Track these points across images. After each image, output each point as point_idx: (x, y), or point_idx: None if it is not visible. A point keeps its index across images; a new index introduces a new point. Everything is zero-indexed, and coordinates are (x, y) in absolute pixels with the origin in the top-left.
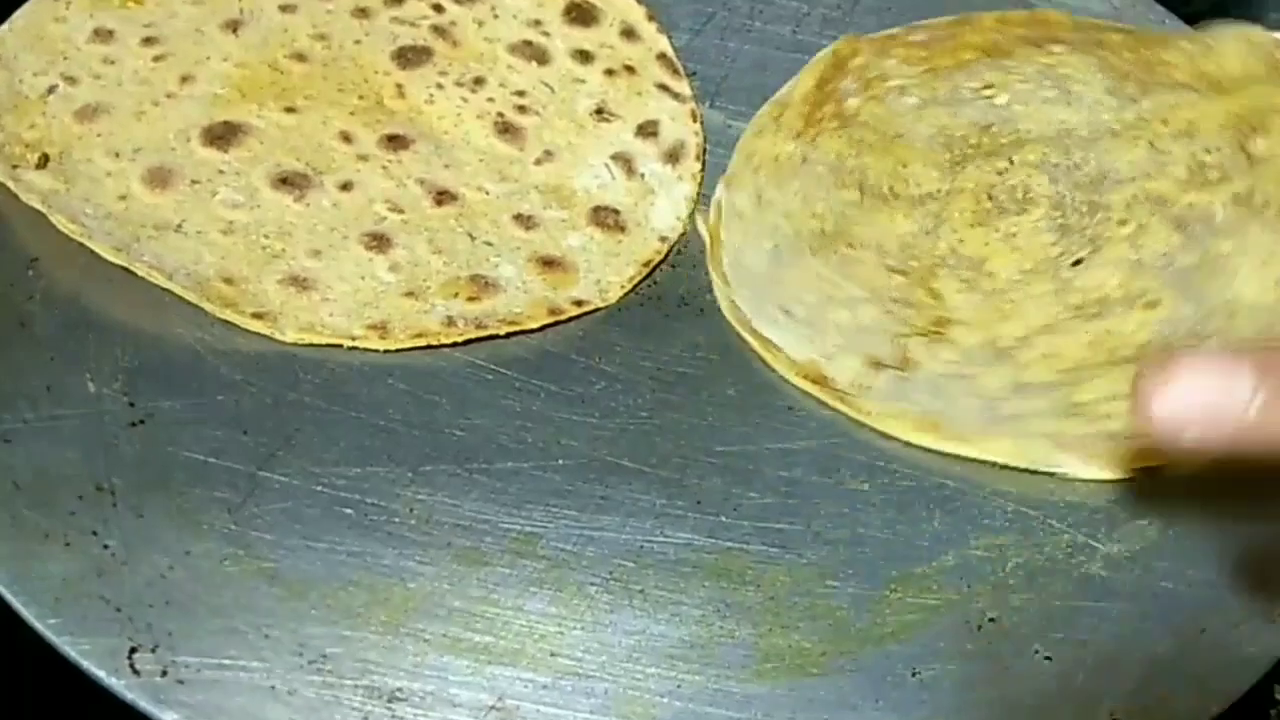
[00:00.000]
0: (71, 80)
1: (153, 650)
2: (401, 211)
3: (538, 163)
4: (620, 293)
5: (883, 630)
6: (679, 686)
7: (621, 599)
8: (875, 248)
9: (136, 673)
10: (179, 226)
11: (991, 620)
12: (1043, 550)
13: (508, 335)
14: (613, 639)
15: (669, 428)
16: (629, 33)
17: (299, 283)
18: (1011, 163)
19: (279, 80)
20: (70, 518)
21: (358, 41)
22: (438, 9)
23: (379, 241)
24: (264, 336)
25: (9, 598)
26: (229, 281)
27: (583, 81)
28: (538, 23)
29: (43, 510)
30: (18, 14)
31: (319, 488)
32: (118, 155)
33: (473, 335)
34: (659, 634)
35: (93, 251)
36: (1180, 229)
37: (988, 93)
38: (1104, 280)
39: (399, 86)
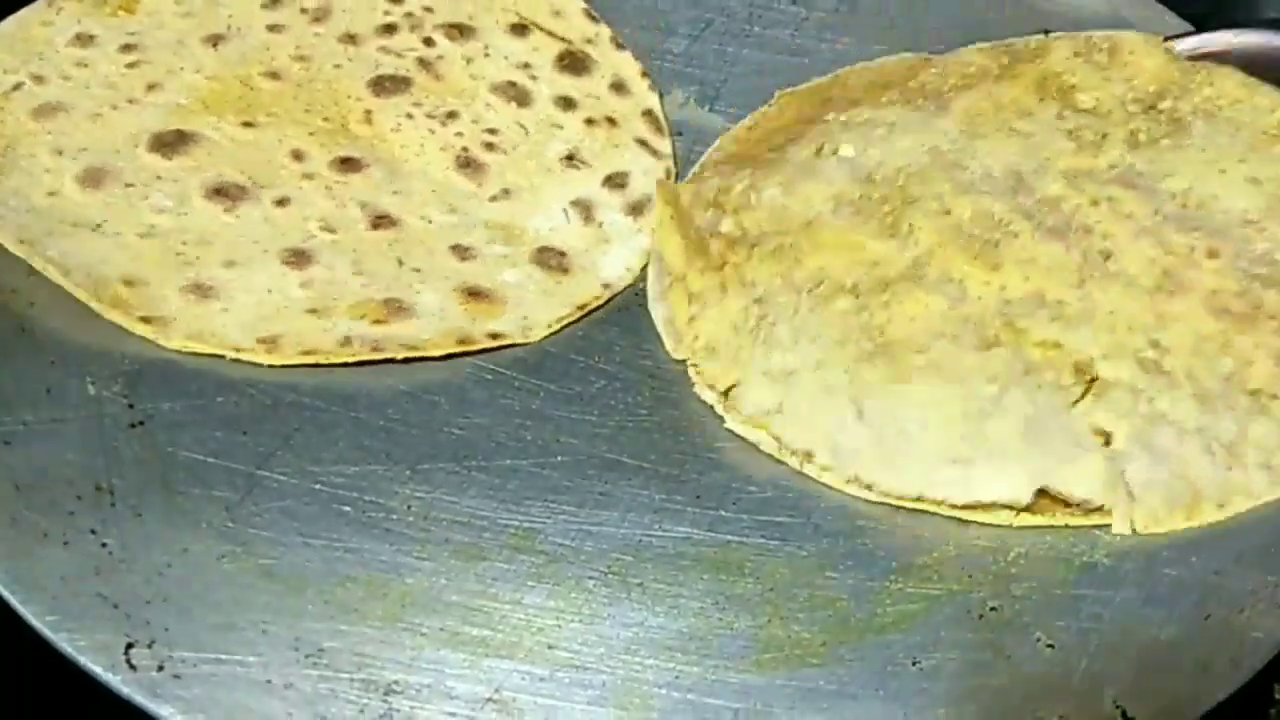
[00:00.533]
0: (39, 79)
1: (149, 646)
2: (333, 231)
3: (493, 199)
4: (546, 331)
5: (883, 620)
6: (677, 678)
7: (619, 592)
8: (935, 335)
9: (133, 668)
10: (98, 226)
11: (993, 609)
12: (1044, 538)
13: (405, 360)
14: (610, 632)
15: (668, 424)
16: (619, 86)
17: (201, 291)
18: (941, 198)
19: (246, 96)
20: (69, 517)
21: (338, 66)
22: (429, 43)
23: (299, 258)
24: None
25: (7, 596)
26: (129, 284)
27: (560, 127)
28: (528, 65)
29: (42, 510)
30: (11, 17)
31: (317, 486)
32: (61, 153)
33: (366, 357)
34: (657, 626)
35: None
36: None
37: (843, 152)
38: (1140, 255)
39: (368, 113)
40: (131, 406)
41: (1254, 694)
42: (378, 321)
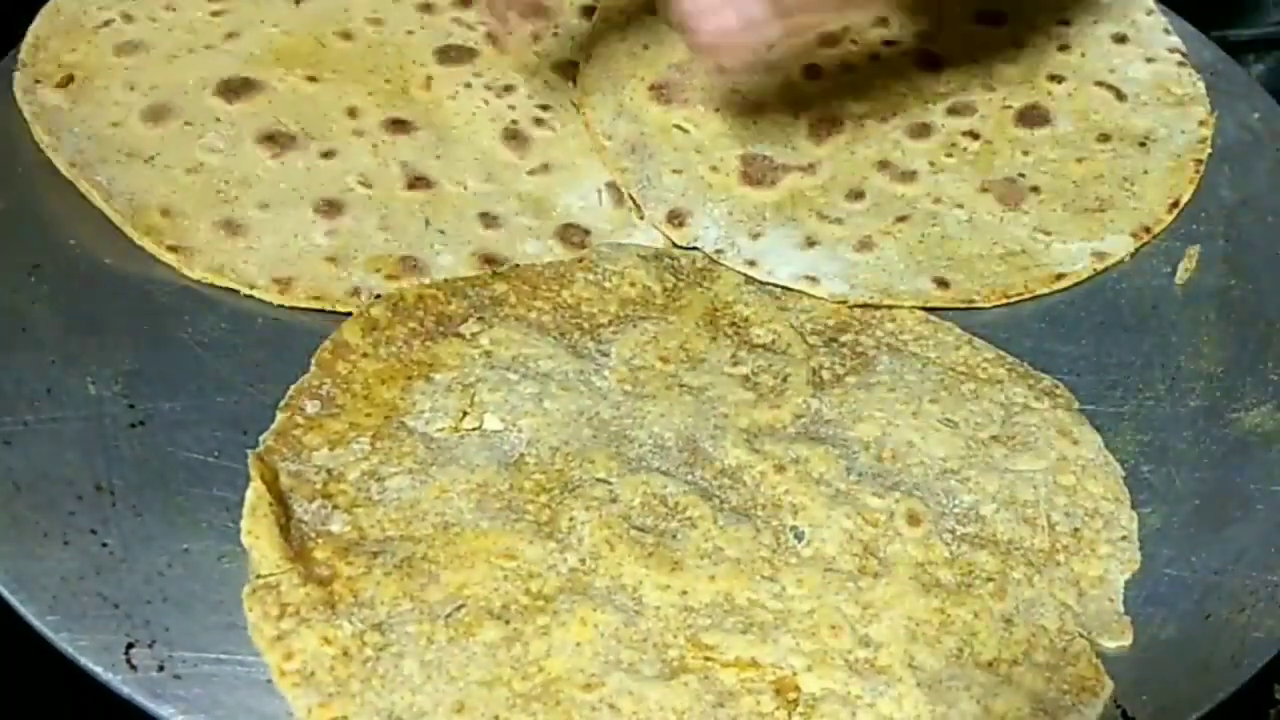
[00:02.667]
0: (129, 18)
1: (150, 646)
2: (370, 186)
3: (531, 173)
4: None
5: None
6: None
7: None
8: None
9: (134, 668)
10: (151, 159)
11: None
12: None
13: None
14: None
15: None
16: None
17: (231, 228)
18: (606, 483)
19: (317, 52)
20: (70, 517)
21: (410, 32)
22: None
23: (330, 208)
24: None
25: (7, 596)
26: (165, 214)
27: None
28: None
29: (43, 510)
30: None
31: None
32: (133, 88)
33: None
34: None
35: (93, 257)
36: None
37: (488, 423)
38: (836, 530)
39: (429, 79)
40: (131, 406)
41: (1254, 694)
42: (390, 277)
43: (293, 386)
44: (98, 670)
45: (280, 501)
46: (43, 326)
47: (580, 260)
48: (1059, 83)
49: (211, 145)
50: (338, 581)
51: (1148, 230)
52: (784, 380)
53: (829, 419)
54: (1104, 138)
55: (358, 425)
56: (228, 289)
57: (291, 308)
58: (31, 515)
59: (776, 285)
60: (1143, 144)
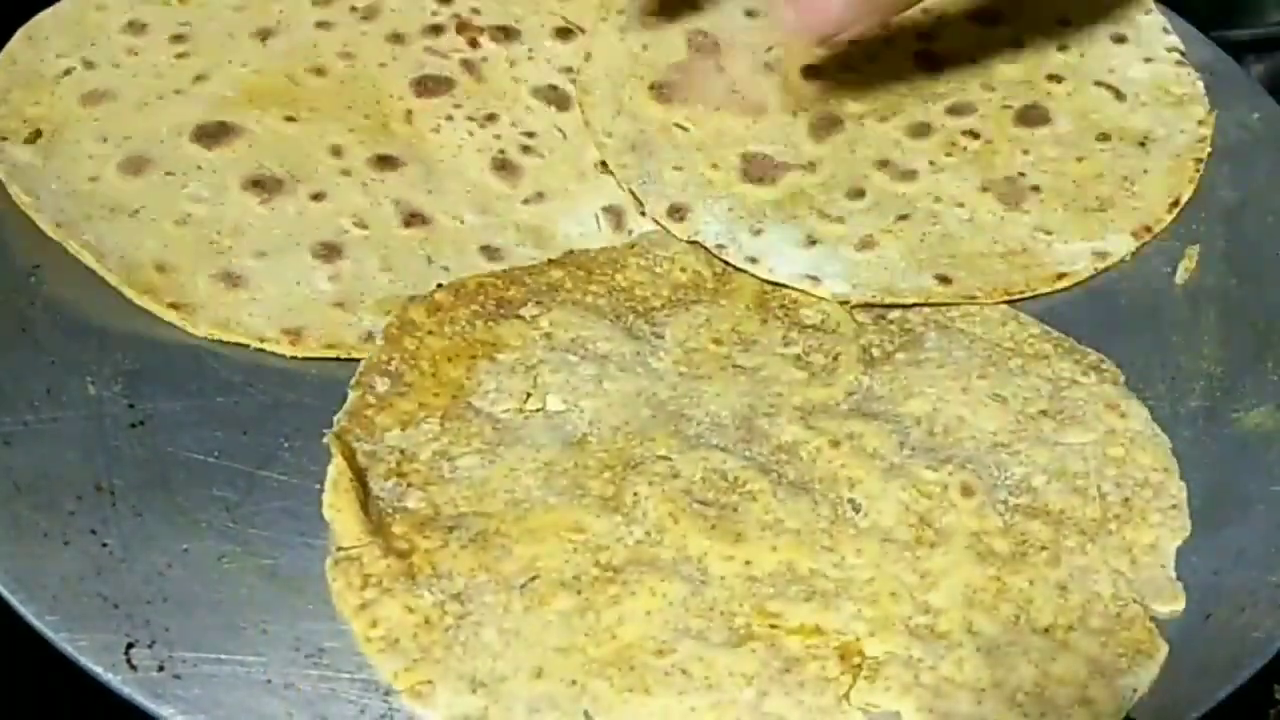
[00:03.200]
0: (90, 65)
1: (150, 646)
2: (366, 227)
3: (526, 202)
4: None
5: None
6: None
7: None
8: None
9: (134, 668)
10: (135, 212)
11: None
12: None
13: None
14: None
15: None
16: None
17: (231, 279)
18: (667, 459)
19: (290, 90)
20: (70, 517)
21: (383, 65)
22: (474, 44)
23: (329, 252)
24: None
25: (7, 596)
26: (161, 269)
27: None
28: (570, 70)
29: (42, 510)
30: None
31: (318, 486)
32: (106, 140)
33: None
34: None
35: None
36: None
37: (550, 404)
38: (892, 502)
39: (409, 112)
40: (131, 406)
41: (1254, 694)
42: None
43: (363, 362)
44: (98, 670)
45: (359, 478)
46: (43, 326)
47: (632, 247)
48: (1058, 82)
49: (196, 195)
50: (416, 555)
51: (1148, 229)
52: (835, 359)
53: (880, 395)
54: (1104, 137)
55: (427, 405)
56: None
57: None
58: (31, 515)
59: (777, 284)
60: (1142, 144)
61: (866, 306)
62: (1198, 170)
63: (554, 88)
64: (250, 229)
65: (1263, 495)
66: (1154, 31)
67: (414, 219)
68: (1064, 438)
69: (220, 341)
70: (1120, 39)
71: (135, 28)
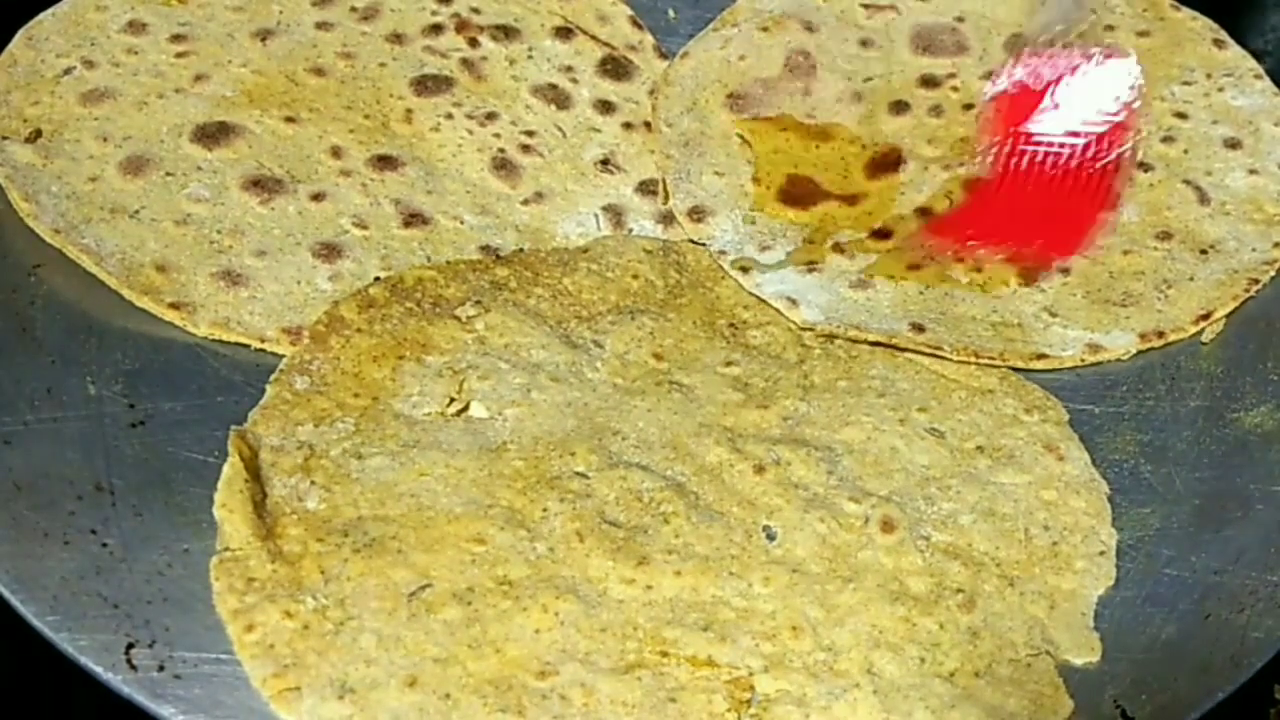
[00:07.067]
0: (90, 65)
1: (150, 646)
2: (365, 227)
3: (525, 202)
4: None
5: None
6: None
7: None
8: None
9: (134, 668)
10: (135, 213)
11: None
12: None
13: None
14: None
15: None
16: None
17: (231, 278)
18: (585, 476)
19: (290, 91)
20: (70, 517)
21: (382, 64)
22: (473, 43)
23: (330, 251)
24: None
25: (7, 596)
26: (161, 270)
27: (598, 131)
28: (570, 69)
29: (43, 510)
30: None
31: None
32: (105, 140)
33: None
34: None
35: None
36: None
37: (474, 410)
38: (809, 534)
39: (409, 111)
40: (131, 406)
41: (1254, 694)
42: None
43: (284, 359)
44: (98, 670)
45: (256, 478)
46: (43, 326)
47: (585, 250)
48: (1146, 170)
49: (196, 195)
50: (307, 559)
51: (1160, 334)
52: (774, 383)
53: (815, 421)
54: (1164, 236)
55: (344, 405)
56: None
57: None
58: (31, 515)
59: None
60: (1204, 251)
61: (828, 336)
62: (1248, 289)
63: (553, 87)
64: (250, 229)
65: (1263, 495)
66: (1274, 144)
67: (414, 219)
68: (997, 477)
69: (220, 341)
70: (1234, 144)
71: (135, 27)
